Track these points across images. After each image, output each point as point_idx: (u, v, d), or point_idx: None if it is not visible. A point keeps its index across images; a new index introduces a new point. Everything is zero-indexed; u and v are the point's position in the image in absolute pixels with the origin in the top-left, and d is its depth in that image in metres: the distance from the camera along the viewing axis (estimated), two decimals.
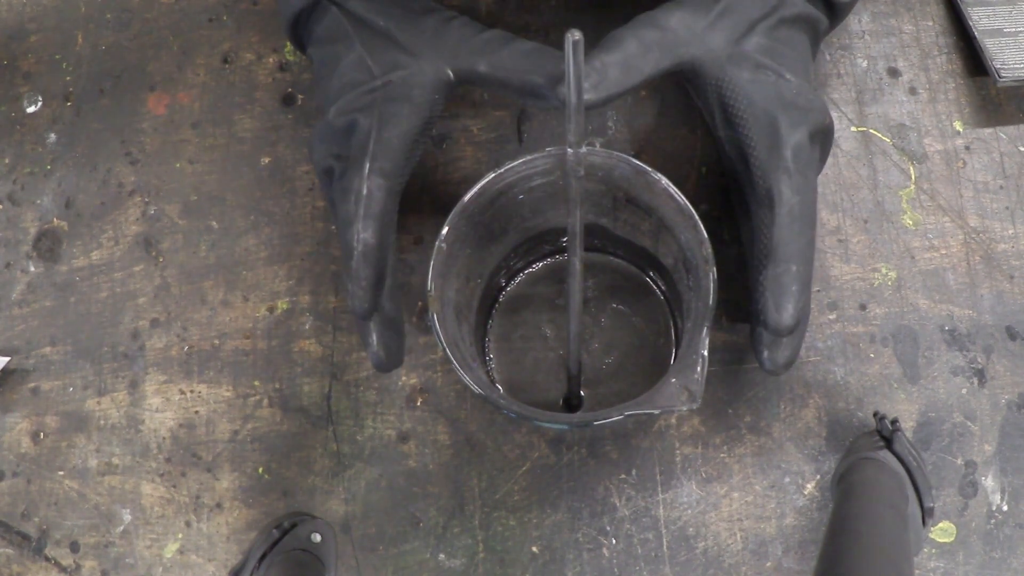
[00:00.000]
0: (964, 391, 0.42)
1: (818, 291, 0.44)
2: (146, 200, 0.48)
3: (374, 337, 0.38)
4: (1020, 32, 0.46)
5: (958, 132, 0.46)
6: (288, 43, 0.49)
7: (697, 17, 0.38)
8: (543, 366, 0.44)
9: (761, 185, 0.36)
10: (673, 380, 0.33)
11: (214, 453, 0.44)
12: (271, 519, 0.42)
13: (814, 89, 0.39)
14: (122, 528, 0.43)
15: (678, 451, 0.42)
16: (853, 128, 0.46)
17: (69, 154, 0.49)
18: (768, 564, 0.41)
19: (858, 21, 0.48)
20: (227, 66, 0.49)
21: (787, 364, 0.38)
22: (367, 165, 0.36)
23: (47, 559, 0.43)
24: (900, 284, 0.44)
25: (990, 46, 0.46)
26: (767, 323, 0.35)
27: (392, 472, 0.43)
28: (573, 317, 0.37)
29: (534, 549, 0.41)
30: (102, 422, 0.45)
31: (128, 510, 0.43)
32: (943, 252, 0.44)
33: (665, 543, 0.41)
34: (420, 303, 0.44)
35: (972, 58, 0.47)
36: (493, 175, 0.36)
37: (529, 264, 0.45)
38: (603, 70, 0.36)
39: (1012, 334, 0.43)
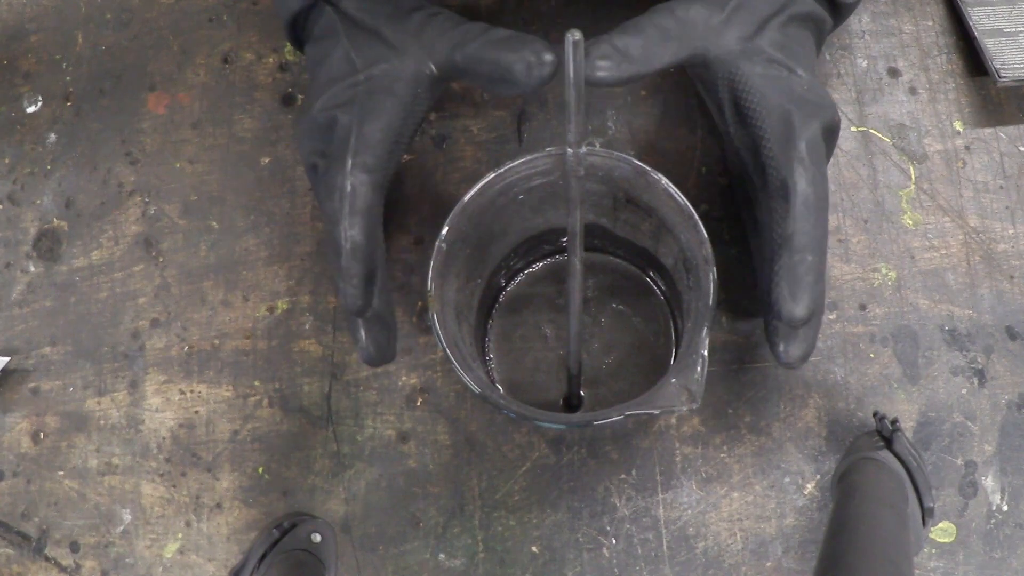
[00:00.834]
0: (964, 391, 0.42)
1: None
2: (146, 200, 0.48)
3: (362, 332, 0.37)
4: (1020, 32, 0.46)
5: (958, 132, 0.46)
6: (288, 43, 0.49)
7: (712, 12, 0.38)
8: (543, 366, 0.44)
9: (775, 177, 0.36)
10: (673, 380, 0.33)
11: (214, 453, 0.44)
12: (271, 519, 0.42)
13: (823, 86, 0.39)
14: (122, 528, 0.43)
15: (678, 451, 0.42)
16: (853, 128, 0.46)
17: (69, 154, 0.49)
18: (768, 564, 0.41)
19: (858, 21, 0.48)
20: (227, 66, 0.49)
21: (803, 357, 0.37)
22: (349, 161, 0.36)
23: (47, 559, 0.43)
24: (900, 284, 0.44)
25: (990, 46, 0.46)
26: (781, 313, 0.35)
27: (392, 472, 0.43)
28: (573, 317, 0.37)
29: (534, 549, 0.41)
30: (102, 422, 0.45)
31: (128, 510, 0.43)
32: (943, 252, 0.44)
33: (665, 543, 0.41)
34: (420, 303, 0.44)
35: (972, 58, 0.47)
36: (493, 175, 0.36)
37: (529, 264, 0.45)
38: (625, 51, 0.36)
39: (1012, 334, 0.43)
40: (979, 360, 0.43)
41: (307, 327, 0.45)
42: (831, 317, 0.43)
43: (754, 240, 0.41)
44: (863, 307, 0.44)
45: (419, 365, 0.44)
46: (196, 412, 0.44)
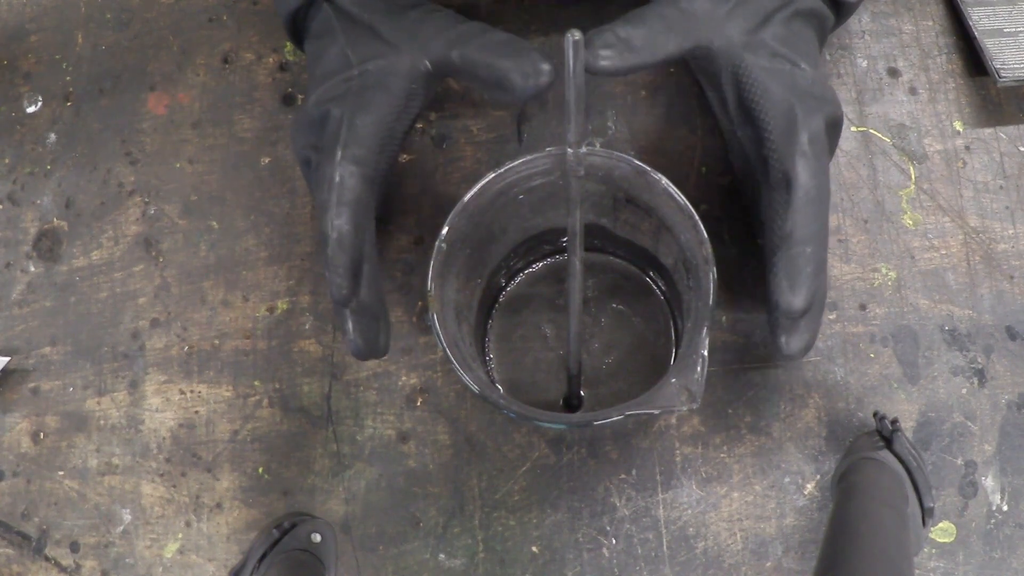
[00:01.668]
0: (964, 391, 0.42)
1: None
2: (146, 200, 0.48)
3: (350, 324, 0.37)
4: (1020, 32, 0.46)
5: (958, 132, 0.46)
6: (288, 43, 0.49)
7: (717, 4, 0.38)
8: (543, 366, 0.44)
9: (777, 169, 0.36)
10: (673, 380, 0.33)
11: (214, 453, 0.44)
12: (271, 519, 0.42)
13: (827, 81, 0.39)
14: (122, 528, 0.43)
15: (678, 451, 0.42)
16: (853, 128, 0.46)
17: (69, 154, 0.49)
18: (768, 564, 0.41)
19: (858, 21, 0.48)
20: (227, 66, 0.49)
21: (804, 349, 0.37)
22: (339, 152, 0.36)
23: (47, 559, 0.43)
24: (900, 284, 0.44)
25: (990, 46, 0.46)
26: (779, 304, 0.35)
27: (392, 472, 0.43)
28: (573, 317, 0.37)
29: (534, 549, 0.41)
30: (102, 422, 0.45)
31: (128, 510, 0.43)
32: (943, 252, 0.44)
33: (665, 543, 0.41)
34: (420, 303, 0.44)
35: (972, 58, 0.47)
36: (493, 175, 0.36)
37: (529, 264, 0.45)
38: (627, 40, 0.36)
39: (1012, 334, 0.43)
40: (979, 360, 0.43)
41: (307, 327, 0.45)
42: (831, 317, 0.43)
43: (760, 236, 0.41)
44: (863, 307, 0.44)
45: (419, 365, 0.44)
46: (196, 412, 0.44)
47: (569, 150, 0.32)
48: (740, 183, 0.44)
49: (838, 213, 0.45)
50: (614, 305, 0.44)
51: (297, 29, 0.42)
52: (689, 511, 0.41)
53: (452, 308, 0.37)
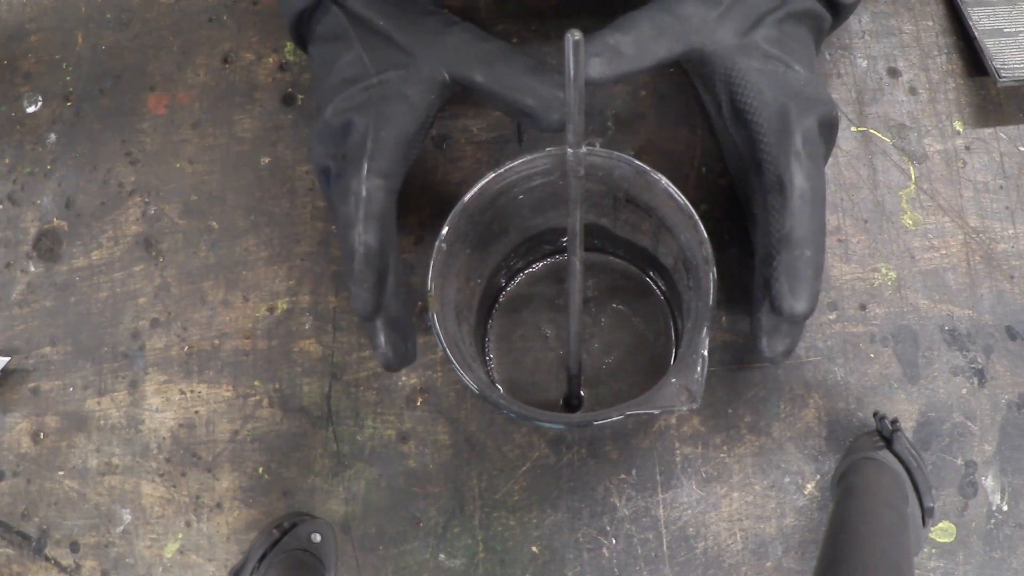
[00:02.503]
0: (964, 391, 0.42)
1: None
2: (146, 200, 0.48)
3: (381, 338, 0.37)
4: (1020, 32, 0.46)
5: (958, 132, 0.46)
6: (288, 43, 0.49)
7: (709, 7, 0.38)
8: (543, 366, 0.44)
9: (771, 171, 0.36)
10: (673, 380, 0.33)
11: (214, 453, 0.44)
12: (271, 519, 0.42)
13: (820, 81, 0.39)
14: (122, 528, 0.43)
15: (678, 451, 0.42)
16: (853, 128, 0.46)
17: (69, 154, 0.49)
18: (768, 564, 0.41)
19: (858, 21, 0.48)
20: (227, 66, 0.49)
21: (786, 352, 0.37)
22: (365, 166, 0.36)
23: (47, 559, 0.43)
24: (900, 284, 0.44)
25: (990, 46, 0.46)
26: (781, 309, 0.35)
27: (392, 472, 0.43)
28: (573, 317, 0.37)
29: (534, 549, 0.41)
30: (102, 422, 0.45)
31: (128, 510, 0.43)
32: (943, 252, 0.44)
33: (665, 543, 0.41)
34: (420, 303, 0.44)
35: (972, 58, 0.47)
36: (493, 175, 0.36)
37: (529, 264, 0.45)
38: (616, 48, 0.36)
39: (1012, 334, 0.43)
40: (979, 360, 0.43)
41: (307, 327, 0.45)
42: (831, 317, 0.43)
43: (755, 238, 0.41)
44: (863, 307, 0.44)
45: (419, 365, 0.44)
46: (196, 412, 0.44)
47: (569, 150, 0.32)
48: (735, 184, 0.43)
49: (838, 213, 0.45)
50: (614, 305, 0.44)
51: (302, 31, 0.42)
52: (689, 511, 0.41)
53: (452, 308, 0.37)
